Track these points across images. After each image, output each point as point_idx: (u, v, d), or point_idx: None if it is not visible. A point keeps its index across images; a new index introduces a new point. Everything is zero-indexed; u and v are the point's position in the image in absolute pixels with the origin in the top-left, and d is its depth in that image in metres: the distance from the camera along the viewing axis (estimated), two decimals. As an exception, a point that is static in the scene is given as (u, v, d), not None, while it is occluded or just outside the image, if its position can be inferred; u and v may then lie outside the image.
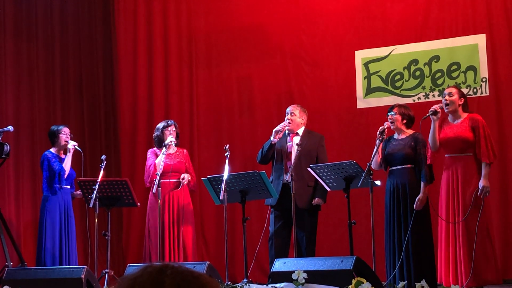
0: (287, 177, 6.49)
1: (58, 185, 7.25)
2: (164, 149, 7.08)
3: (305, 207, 6.68)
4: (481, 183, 5.94)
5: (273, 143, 6.79)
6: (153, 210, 7.18)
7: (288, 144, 6.88)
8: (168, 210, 7.18)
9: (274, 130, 6.80)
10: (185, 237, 7.18)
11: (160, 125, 7.42)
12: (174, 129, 7.32)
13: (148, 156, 7.41)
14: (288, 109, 6.99)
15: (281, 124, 6.83)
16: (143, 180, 7.54)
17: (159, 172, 6.92)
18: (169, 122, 7.43)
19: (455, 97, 6.13)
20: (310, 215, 6.74)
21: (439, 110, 6.11)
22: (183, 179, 7.24)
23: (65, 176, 7.28)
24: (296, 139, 6.83)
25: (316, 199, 6.72)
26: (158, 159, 7.17)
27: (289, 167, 6.52)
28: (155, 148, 7.41)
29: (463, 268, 5.91)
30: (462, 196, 6.00)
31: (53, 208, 7.24)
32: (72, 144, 7.32)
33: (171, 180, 7.25)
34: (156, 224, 7.07)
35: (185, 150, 7.53)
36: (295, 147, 6.62)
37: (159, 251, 6.95)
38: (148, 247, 7.22)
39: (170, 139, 7.17)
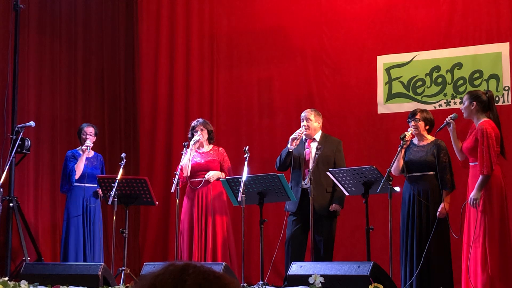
0: (306, 181, 6.44)
1: (67, 186, 7.38)
2: (186, 149, 7.08)
3: (323, 213, 6.65)
4: (471, 194, 5.81)
5: (290, 150, 6.74)
6: (184, 209, 7.17)
7: (305, 150, 6.83)
8: (198, 208, 7.14)
9: (290, 138, 6.72)
10: (216, 232, 7.11)
11: (192, 124, 7.40)
12: (202, 128, 7.29)
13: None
14: (303, 115, 6.90)
15: (297, 131, 6.74)
16: (162, 179, 7.57)
17: (177, 172, 6.92)
18: (195, 122, 7.36)
19: (466, 103, 6.04)
20: (328, 220, 6.71)
21: (451, 121, 6.05)
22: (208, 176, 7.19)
23: (76, 176, 7.35)
24: (314, 145, 6.77)
25: (334, 205, 6.67)
26: (183, 161, 7.15)
27: (308, 171, 6.50)
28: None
29: (479, 277, 5.87)
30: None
31: (74, 206, 7.33)
32: (85, 145, 7.43)
33: (196, 179, 7.16)
34: (184, 224, 7.09)
35: (221, 149, 7.38)
36: (313, 152, 6.60)
37: (185, 250, 6.96)
38: (180, 246, 7.18)
39: (196, 138, 7.17)
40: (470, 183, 5.94)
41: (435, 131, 6.15)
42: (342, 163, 6.78)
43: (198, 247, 7.04)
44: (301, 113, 7.03)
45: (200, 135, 7.20)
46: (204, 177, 7.13)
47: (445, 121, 6.07)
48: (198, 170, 7.14)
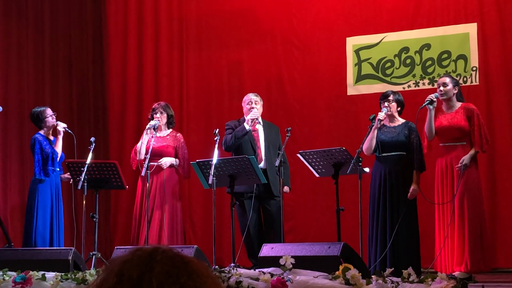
0: (277, 163, 6.54)
1: (51, 168, 7.22)
2: (144, 132, 7.10)
3: (277, 194, 6.83)
4: (463, 158, 6.03)
5: (248, 130, 6.86)
6: (141, 193, 7.17)
7: (253, 132, 6.99)
8: (153, 193, 7.14)
9: (250, 119, 6.87)
10: (168, 219, 7.13)
11: (153, 106, 7.38)
12: (162, 111, 7.26)
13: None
14: (253, 98, 7.02)
15: (254, 113, 6.89)
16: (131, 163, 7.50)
17: (147, 156, 6.88)
18: (156, 105, 7.34)
19: (449, 86, 6.19)
20: (277, 201, 6.87)
21: (435, 99, 6.13)
22: (160, 163, 7.18)
23: (58, 158, 7.25)
24: (260, 127, 7.01)
25: (285, 187, 6.90)
26: (139, 144, 7.14)
27: (279, 153, 6.56)
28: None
29: (455, 255, 5.99)
30: (456, 184, 6.04)
31: (45, 191, 7.21)
32: (62, 126, 7.28)
33: (152, 163, 7.09)
34: (143, 207, 7.07)
35: (179, 134, 7.38)
36: (262, 134, 6.90)
37: (146, 234, 6.95)
38: (136, 230, 7.19)
39: (153, 122, 7.13)
40: (454, 163, 6.06)
41: (418, 108, 6.20)
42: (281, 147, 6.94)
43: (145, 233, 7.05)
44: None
45: (158, 119, 7.17)
46: (157, 162, 7.12)
47: (428, 99, 6.13)
48: (152, 155, 7.09)
